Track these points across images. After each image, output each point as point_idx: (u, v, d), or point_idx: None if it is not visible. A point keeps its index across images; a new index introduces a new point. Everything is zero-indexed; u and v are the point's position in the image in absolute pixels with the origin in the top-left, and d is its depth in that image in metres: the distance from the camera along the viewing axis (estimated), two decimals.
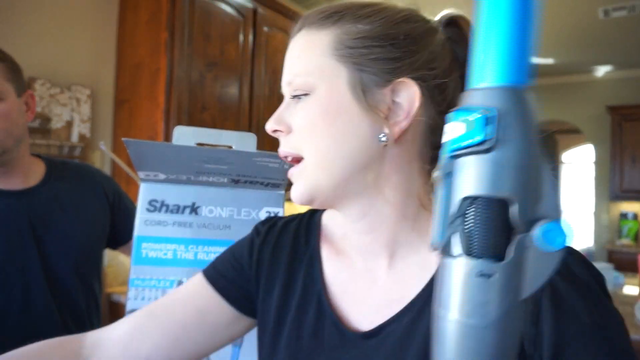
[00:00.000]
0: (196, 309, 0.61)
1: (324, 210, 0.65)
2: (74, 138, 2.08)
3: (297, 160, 0.53)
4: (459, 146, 0.30)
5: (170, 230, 0.89)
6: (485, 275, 0.29)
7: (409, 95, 0.50)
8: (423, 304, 0.50)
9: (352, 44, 0.50)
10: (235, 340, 0.67)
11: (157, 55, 2.13)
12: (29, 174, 1.12)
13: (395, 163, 0.52)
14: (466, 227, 0.30)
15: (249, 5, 2.48)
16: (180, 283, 0.89)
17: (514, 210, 0.29)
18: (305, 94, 0.51)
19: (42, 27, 1.98)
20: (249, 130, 2.47)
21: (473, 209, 0.30)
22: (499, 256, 0.30)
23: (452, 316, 0.31)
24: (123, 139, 0.76)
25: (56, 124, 2.01)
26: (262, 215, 0.93)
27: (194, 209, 0.90)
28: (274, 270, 0.61)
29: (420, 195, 0.53)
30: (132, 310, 0.87)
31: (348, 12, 0.52)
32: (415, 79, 0.50)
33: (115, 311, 2.14)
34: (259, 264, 0.62)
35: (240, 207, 0.92)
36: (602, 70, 5.15)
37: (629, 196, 4.95)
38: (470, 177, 0.30)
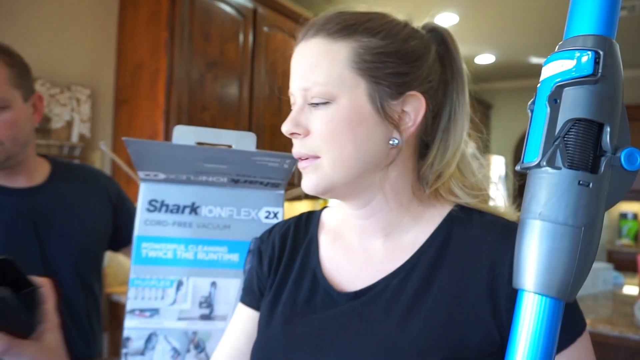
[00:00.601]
0: (242, 333, 0.68)
1: (322, 210, 0.73)
2: (74, 138, 2.08)
3: (313, 157, 0.58)
4: (568, 77, 0.38)
5: (170, 230, 0.89)
6: (584, 184, 0.37)
7: (416, 106, 0.58)
8: (411, 268, 0.58)
9: (369, 59, 0.56)
10: None
11: (157, 55, 2.13)
12: (35, 173, 1.13)
13: (397, 162, 0.60)
14: (569, 143, 0.37)
15: (249, 5, 2.48)
16: (180, 283, 0.89)
17: (605, 133, 0.37)
18: (326, 102, 0.56)
19: (42, 27, 1.98)
20: (249, 130, 2.47)
21: (576, 129, 0.37)
22: (593, 170, 0.37)
23: (547, 218, 0.37)
24: (123, 138, 0.76)
25: (56, 124, 2.01)
26: (262, 214, 0.93)
27: (193, 209, 0.90)
28: (280, 259, 0.68)
29: (412, 186, 0.62)
30: (132, 310, 0.87)
31: (360, 25, 0.57)
32: (420, 91, 0.58)
33: (115, 311, 2.14)
34: (270, 262, 0.69)
35: (240, 206, 0.92)
36: None
37: (629, 196, 4.94)
38: (576, 103, 0.37)
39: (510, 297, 0.53)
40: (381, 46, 0.57)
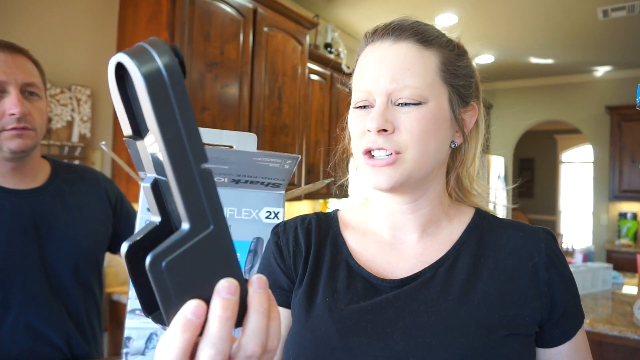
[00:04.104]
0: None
1: (335, 211, 0.77)
2: (75, 138, 2.08)
3: (394, 153, 0.62)
4: None
5: None
6: None
7: (472, 115, 0.69)
8: (455, 258, 0.65)
9: (452, 70, 0.64)
10: None
11: None
12: (37, 175, 1.14)
13: (444, 163, 0.69)
14: None
15: (249, 5, 2.48)
16: None
17: None
18: (417, 103, 0.61)
19: (42, 27, 1.98)
20: (249, 130, 2.47)
21: None
22: None
23: None
24: (124, 138, 0.76)
25: (56, 124, 2.01)
26: (263, 214, 0.93)
27: None
28: (308, 252, 0.70)
29: (445, 187, 0.71)
30: (133, 310, 0.87)
31: (440, 38, 0.65)
32: (476, 102, 0.69)
33: (115, 310, 2.15)
34: (294, 255, 0.70)
35: (241, 207, 0.92)
36: (601, 71, 5.15)
37: (628, 196, 4.95)
38: None
39: (547, 283, 0.63)
40: (458, 60, 0.66)
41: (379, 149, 0.62)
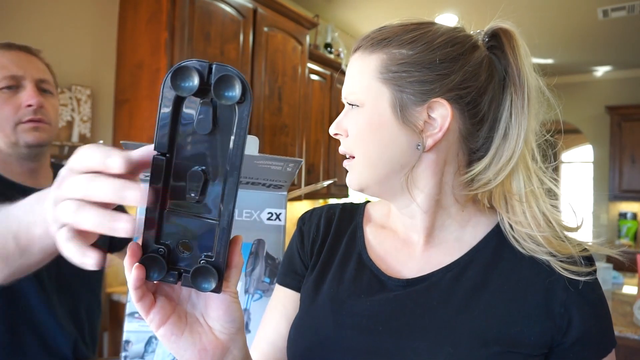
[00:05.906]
0: (284, 316, 0.70)
1: (365, 203, 0.77)
2: (75, 138, 2.08)
3: (352, 157, 0.65)
4: None
5: None
6: None
7: (442, 113, 0.60)
8: (465, 265, 0.62)
9: (394, 69, 0.60)
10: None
11: (157, 55, 2.12)
12: (50, 176, 1.15)
13: (432, 166, 0.62)
14: None
15: (249, 5, 2.48)
16: None
17: None
18: (357, 107, 0.63)
19: (42, 27, 1.98)
20: (249, 131, 2.47)
21: None
22: None
23: None
24: (121, 142, 0.76)
25: None
26: (264, 216, 0.92)
27: None
28: (325, 241, 0.71)
29: (454, 191, 0.64)
30: (132, 313, 0.87)
31: (395, 38, 0.61)
32: (448, 98, 0.59)
33: (115, 310, 2.14)
34: (313, 242, 0.72)
35: (242, 208, 0.92)
36: (601, 71, 5.15)
37: (628, 196, 4.95)
38: None
39: (564, 303, 0.57)
40: (407, 56, 0.60)
41: (340, 151, 0.66)
